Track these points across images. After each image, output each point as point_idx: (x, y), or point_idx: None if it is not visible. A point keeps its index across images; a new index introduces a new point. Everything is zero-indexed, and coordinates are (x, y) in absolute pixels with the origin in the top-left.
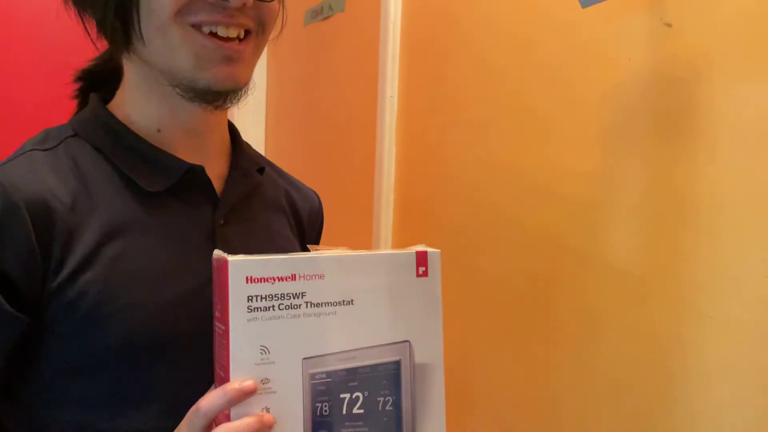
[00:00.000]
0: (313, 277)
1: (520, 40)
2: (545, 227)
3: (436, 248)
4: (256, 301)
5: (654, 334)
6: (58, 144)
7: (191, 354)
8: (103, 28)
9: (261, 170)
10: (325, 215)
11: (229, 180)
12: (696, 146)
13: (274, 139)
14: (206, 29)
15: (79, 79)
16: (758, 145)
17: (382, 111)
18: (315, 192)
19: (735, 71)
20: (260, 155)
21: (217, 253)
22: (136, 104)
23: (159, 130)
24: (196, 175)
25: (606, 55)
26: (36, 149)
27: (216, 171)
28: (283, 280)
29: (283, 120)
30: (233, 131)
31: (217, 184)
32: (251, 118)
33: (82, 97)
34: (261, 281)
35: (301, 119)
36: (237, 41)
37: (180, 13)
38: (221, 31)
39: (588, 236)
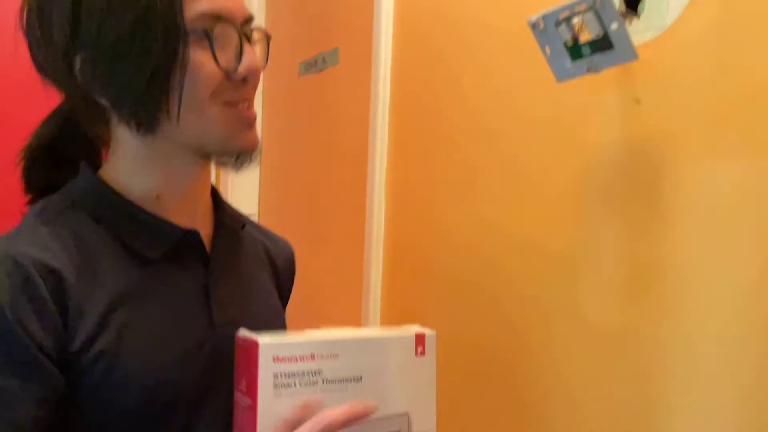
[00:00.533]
0: (329, 357)
1: (508, 100)
2: (528, 283)
3: (427, 308)
4: (281, 378)
5: (623, 390)
6: (57, 216)
7: (197, 411)
8: (134, 116)
9: (242, 227)
10: (315, 267)
11: (217, 239)
12: (664, 215)
13: (268, 187)
14: (232, 106)
15: (33, 160)
16: (720, 217)
17: (372, 165)
18: (287, 242)
19: (699, 146)
20: (239, 212)
21: (243, 332)
22: (137, 175)
23: (158, 197)
24: (191, 238)
25: (582, 124)
26: (37, 222)
27: (204, 231)
28: (304, 360)
29: (277, 169)
30: (214, 191)
31: (206, 243)
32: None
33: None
34: (286, 360)
35: (294, 167)
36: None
37: (214, 94)
38: (243, 105)
39: (566, 294)
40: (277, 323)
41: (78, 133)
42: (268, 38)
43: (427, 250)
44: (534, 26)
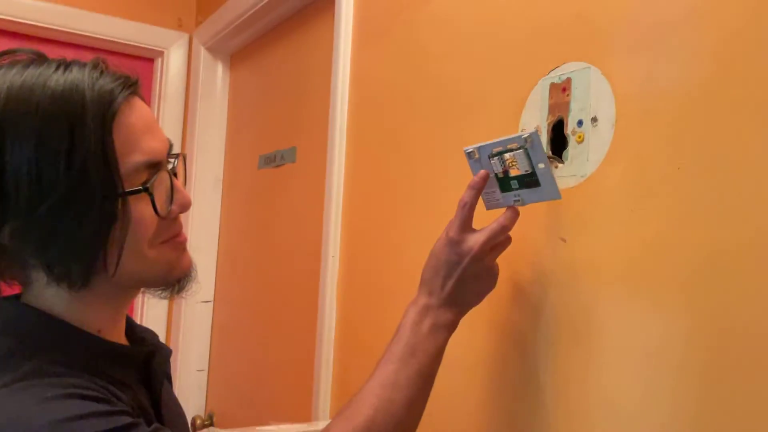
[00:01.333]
0: None
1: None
2: (462, 399)
3: None
4: None
5: None
6: (37, 368)
7: None
8: (66, 276)
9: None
10: (265, 358)
11: (156, 356)
12: (585, 343)
13: (224, 275)
14: (167, 241)
15: None
16: (632, 352)
17: (325, 260)
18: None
19: (615, 283)
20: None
21: None
22: (70, 312)
23: (99, 331)
24: (149, 359)
25: (513, 258)
26: (29, 384)
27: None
28: None
29: (232, 256)
30: None
31: None
32: (204, 247)
33: None
34: None
35: (250, 256)
36: None
37: (151, 239)
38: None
39: (504, 420)
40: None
41: None
42: (184, 158)
43: (380, 344)
44: (469, 155)
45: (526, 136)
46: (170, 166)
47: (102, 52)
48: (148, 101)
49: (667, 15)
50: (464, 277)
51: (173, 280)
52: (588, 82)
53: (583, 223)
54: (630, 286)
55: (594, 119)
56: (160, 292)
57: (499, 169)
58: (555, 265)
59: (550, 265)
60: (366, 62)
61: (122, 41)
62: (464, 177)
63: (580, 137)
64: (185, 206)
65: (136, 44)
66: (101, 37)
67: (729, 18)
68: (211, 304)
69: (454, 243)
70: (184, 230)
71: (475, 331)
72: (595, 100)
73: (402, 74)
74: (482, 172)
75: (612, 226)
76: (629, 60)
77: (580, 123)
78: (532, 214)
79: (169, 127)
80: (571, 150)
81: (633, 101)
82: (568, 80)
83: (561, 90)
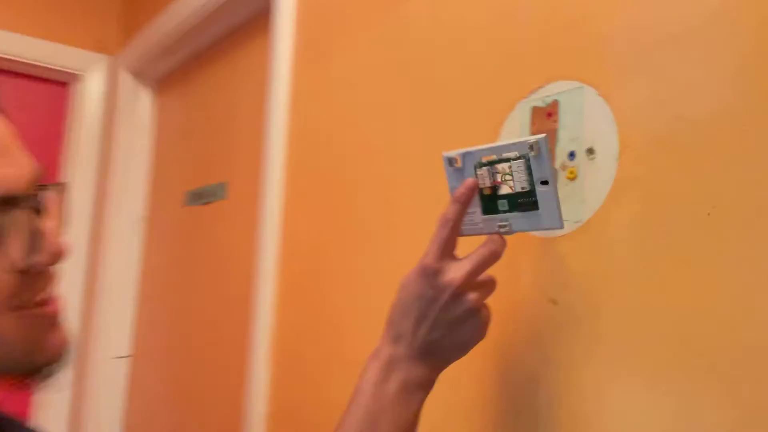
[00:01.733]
0: None
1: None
2: None
3: None
4: None
5: None
6: None
7: None
8: None
9: None
10: (191, 425)
11: None
12: (572, 421)
13: (144, 322)
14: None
15: None
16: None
17: (255, 325)
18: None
19: (610, 351)
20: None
21: None
22: None
23: None
24: None
25: (497, 324)
26: None
27: None
28: None
29: (154, 302)
30: None
31: None
32: (121, 295)
33: None
34: None
35: (174, 301)
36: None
37: (3, 303)
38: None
39: None
40: None
41: None
42: (63, 190)
43: (319, 411)
44: (450, 162)
45: (532, 141)
46: (38, 201)
47: (7, 75)
48: (59, 129)
49: (680, 22)
50: (443, 319)
51: (38, 364)
52: (581, 106)
53: (578, 281)
54: (639, 366)
55: (590, 151)
56: (12, 381)
57: (487, 183)
58: (544, 331)
59: (538, 332)
60: (307, 88)
61: (31, 62)
62: (423, 217)
63: (572, 173)
64: (57, 255)
65: (49, 66)
66: (6, 56)
67: (755, 26)
68: (127, 360)
69: (430, 273)
70: (72, 288)
71: (455, 398)
72: (590, 127)
73: (348, 101)
74: (469, 181)
75: (615, 286)
76: (634, 77)
77: (571, 155)
78: (513, 267)
79: (85, 160)
80: (561, 189)
81: (641, 128)
82: (555, 103)
83: (546, 115)
